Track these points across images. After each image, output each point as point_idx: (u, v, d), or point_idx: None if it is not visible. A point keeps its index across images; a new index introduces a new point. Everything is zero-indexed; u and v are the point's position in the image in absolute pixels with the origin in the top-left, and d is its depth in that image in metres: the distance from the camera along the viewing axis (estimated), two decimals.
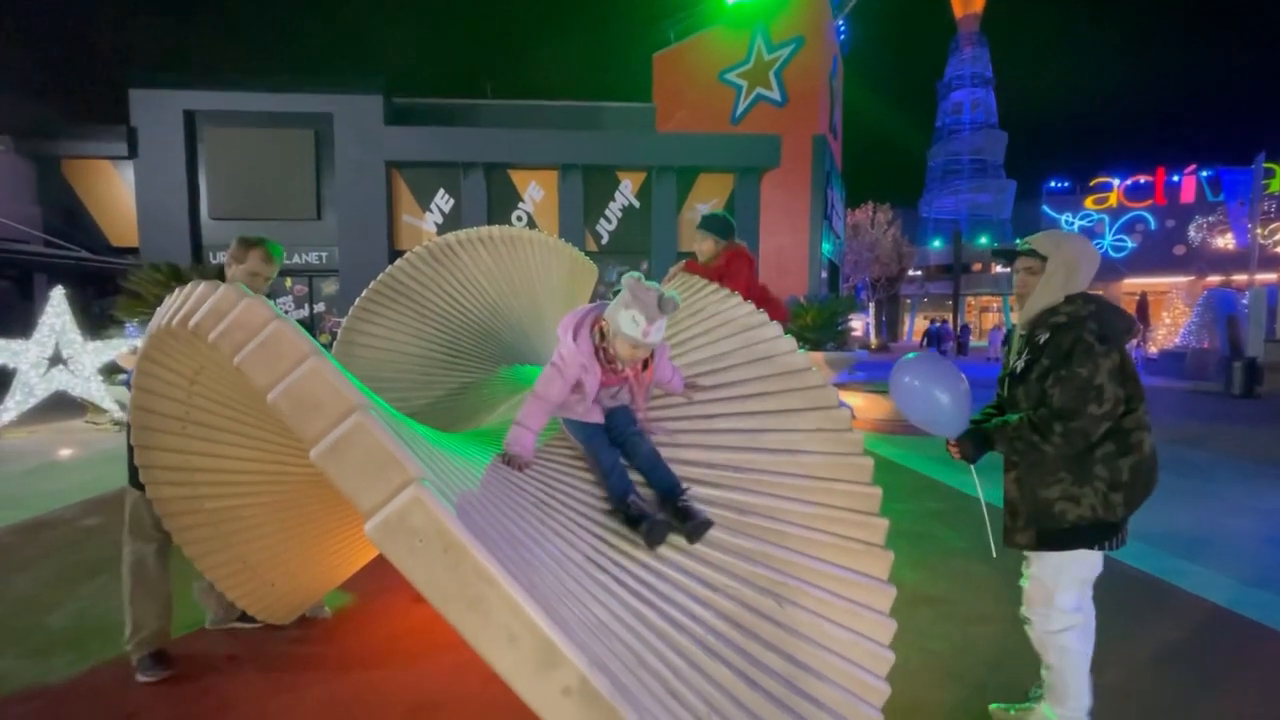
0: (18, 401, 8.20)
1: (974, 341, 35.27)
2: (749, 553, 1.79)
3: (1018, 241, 2.20)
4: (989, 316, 46.17)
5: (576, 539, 1.59)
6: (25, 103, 17.68)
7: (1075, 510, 1.92)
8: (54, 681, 2.48)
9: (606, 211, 18.31)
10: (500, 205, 17.87)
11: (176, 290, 1.46)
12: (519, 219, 17.83)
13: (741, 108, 21.70)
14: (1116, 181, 43.09)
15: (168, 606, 2.56)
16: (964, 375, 2.19)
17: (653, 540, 1.65)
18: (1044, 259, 2.03)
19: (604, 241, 18.17)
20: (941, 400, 2.12)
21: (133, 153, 16.91)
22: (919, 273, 45.18)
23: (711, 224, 3.13)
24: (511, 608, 1.15)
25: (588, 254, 4.52)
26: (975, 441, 2.09)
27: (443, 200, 17.86)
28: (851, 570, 1.83)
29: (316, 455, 1.16)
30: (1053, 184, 47.04)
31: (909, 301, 47.21)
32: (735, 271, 2.94)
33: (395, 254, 16.03)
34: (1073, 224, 42.77)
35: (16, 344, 8.26)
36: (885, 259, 35.61)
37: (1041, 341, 2.00)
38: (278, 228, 17.39)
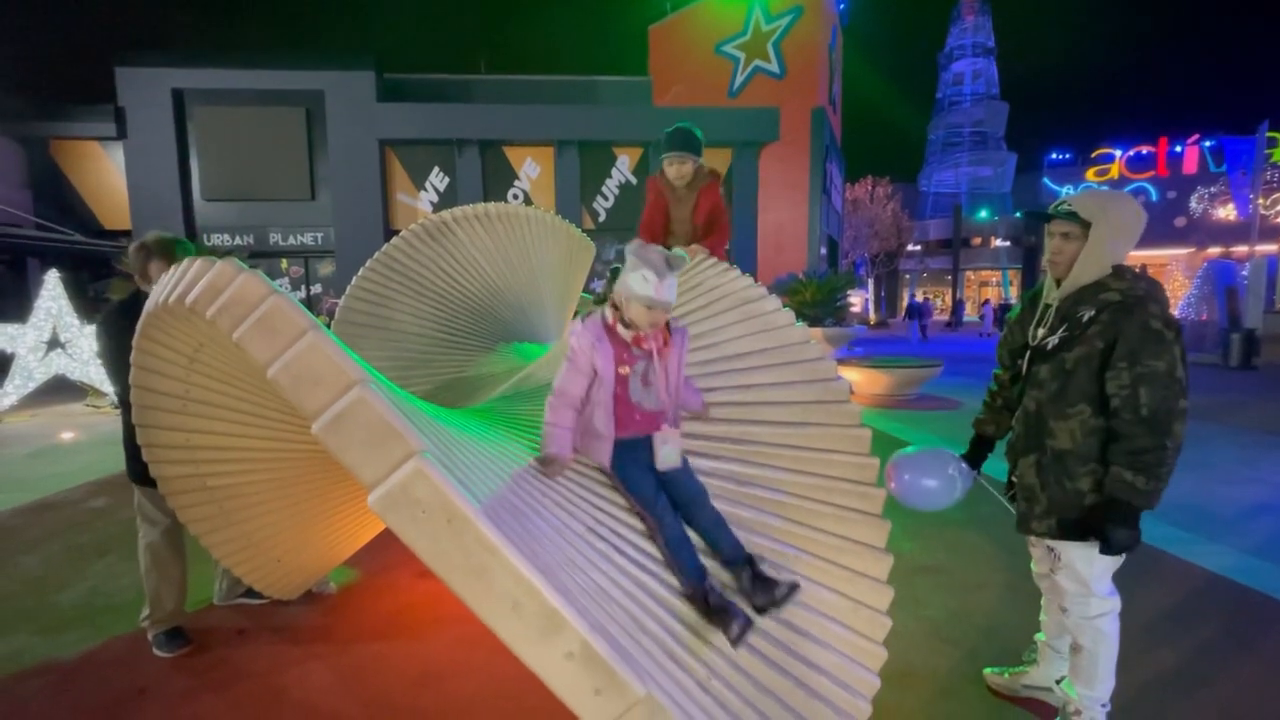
0: (17, 385, 8.20)
1: (966, 316, 35.19)
2: (748, 523, 1.82)
3: (1019, 208, 2.10)
4: (988, 291, 46.05)
5: (577, 509, 1.61)
6: (9, 83, 17.37)
7: None
8: (66, 657, 2.52)
9: (603, 188, 18.15)
10: (496, 183, 17.70)
11: (172, 268, 1.45)
12: (515, 197, 17.67)
13: (739, 80, 21.35)
14: (1118, 153, 42.66)
15: (181, 585, 2.60)
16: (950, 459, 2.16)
17: (737, 640, 1.50)
18: (1085, 224, 1.79)
19: (601, 219, 18.04)
20: (930, 485, 2.10)
21: (121, 133, 16.68)
22: (918, 247, 44.99)
23: (688, 140, 2.61)
24: (514, 576, 1.16)
25: (585, 232, 4.49)
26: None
27: (438, 178, 17.69)
28: (849, 539, 1.85)
29: (318, 429, 1.17)
30: (1054, 156, 46.59)
31: (908, 277, 47.07)
32: (720, 211, 2.65)
33: (391, 233, 15.88)
34: None
35: (13, 328, 8.23)
36: (884, 234, 35.46)
37: (1085, 319, 1.79)
38: (271, 208, 17.27)
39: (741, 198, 18.27)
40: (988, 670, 2.29)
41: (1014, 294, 42.71)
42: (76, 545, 3.72)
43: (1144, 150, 41.92)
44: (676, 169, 2.64)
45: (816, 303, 10.75)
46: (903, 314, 26.95)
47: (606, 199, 18.19)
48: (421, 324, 3.84)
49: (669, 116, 18.31)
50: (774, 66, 20.93)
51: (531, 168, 17.97)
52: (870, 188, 35.35)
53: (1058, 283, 1.91)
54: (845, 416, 2.01)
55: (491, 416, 2.02)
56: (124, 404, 2.35)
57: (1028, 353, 1.97)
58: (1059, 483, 1.85)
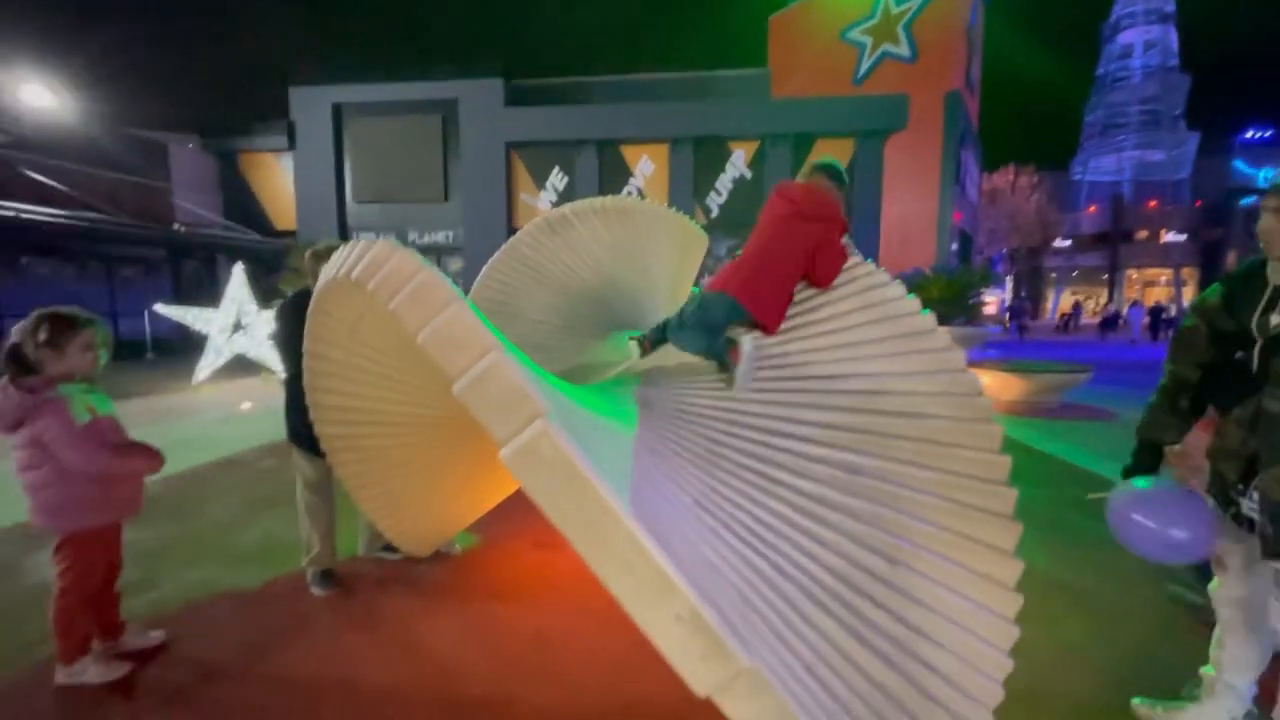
0: (210, 361, 9.67)
1: (1085, 320, 31.11)
2: (859, 513, 1.76)
3: None
4: (1154, 292, 40.36)
5: (686, 483, 1.65)
6: (209, 105, 20.44)
7: None
8: (246, 588, 2.97)
9: (717, 184, 18.06)
10: (612, 182, 18.18)
11: (341, 248, 1.66)
12: (629, 194, 18.07)
13: (865, 67, 20.35)
14: None
15: (329, 533, 2.98)
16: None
17: None
18: None
19: (714, 215, 17.96)
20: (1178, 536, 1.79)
21: (291, 145, 19.01)
22: (1067, 243, 40.42)
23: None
24: (628, 538, 1.22)
25: None
26: None
27: (557, 178, 18.48)
28: (972, 539, 1.74)
29: (459, 390, 1.30)
30: (1249, 135, 39.97)
31: (1054, 275, 42.45)
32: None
33: (513, 232, 16.80)
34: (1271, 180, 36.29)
35: (209, 313, 9.71)
36: (1026, 228, 32.16)
37: None
38: (410, 209, 18.91)
39: (863, 190, 17.41)
40: (1137, 700, 2.05)
41: (1187, 297, 37.15)
42: (253, 497, 4.34)
43: None
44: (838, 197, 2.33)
45: (945, 300, 10.03)
46: (1007, 314, 24.37)
47: (720, 194, 18.07)
48: (542, 311, 4.06)
49: (787, 108, 17.90)
50: (904, 50, 19.73)
51: (646, 165, 18.25)
52: (1012, 177, 32.23)
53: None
54: (973, 410, 1.89)
55: (603, 396, 2.12)
56: (291, 376, 2.74)
57: (1258, 344, 1.71)
58: None
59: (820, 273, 2.15)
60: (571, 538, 1.24)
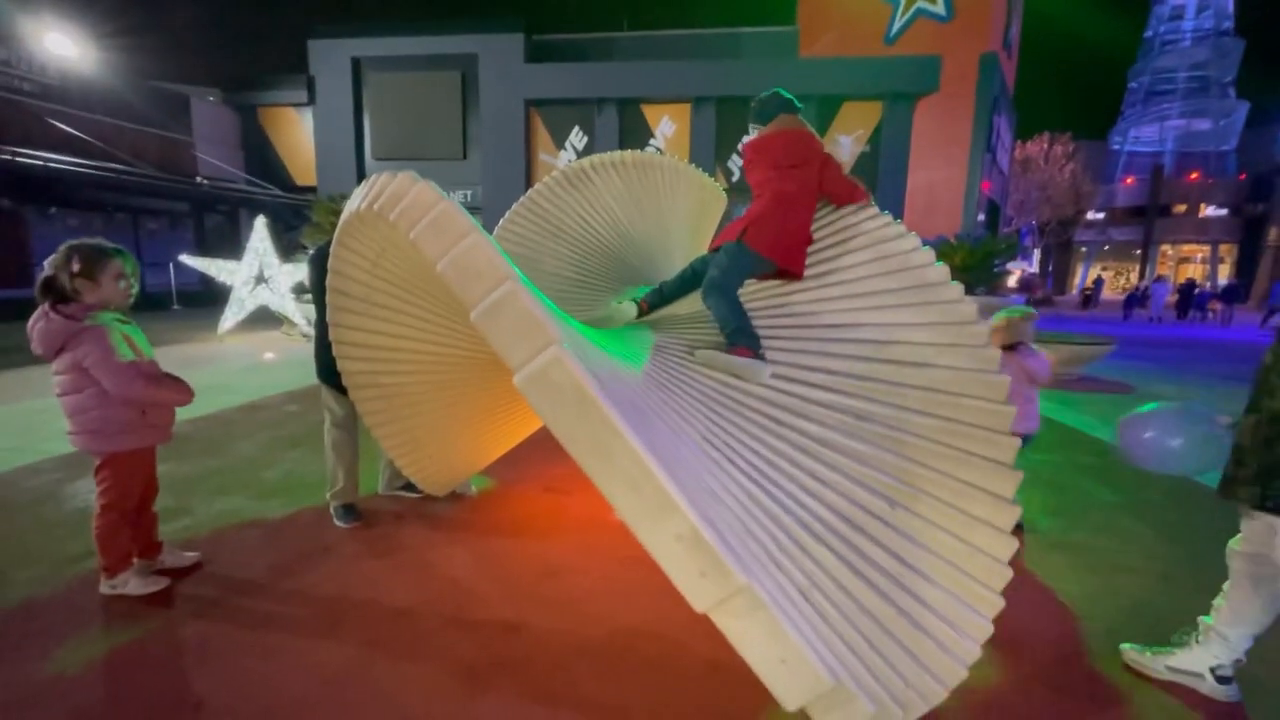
0: (234, 313, 9.86)
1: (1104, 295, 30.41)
2: (863, 456, 1.81)
3: None
4: (1187, 269, 39.08)
5: (693, 417, 1.71)
6: (229, 58, 20.32)
7: None
8: (272, 518, 3.12)
9: (739, 146, 17.66)
10: (632, 142, 17.90)
11: (364, 183, 1.70)
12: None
13: (898, 25, 19.58)
14: None
15: (353, 469, 3.10)
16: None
17: None
18: None
19: (735, 178, 17.66)
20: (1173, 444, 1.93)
21: (311, 99, 18.89)
22: (1100, 215, 39.11)
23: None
24: (633, 458, 1.28)
25: None
26: None
27: (577, 137, 18.23)
28: (972, 484, 1.78)
29: (476, 316, 1.35)
30: None
31: (1084, 249, 41.23)
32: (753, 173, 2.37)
33: None
34: None
35: (232, 265, 9.86)
36: (1059, 199, 31.08)
37: None
38: (428, 167, 18.78)
39: (890, 155, 16.97)
40: (1125, 646, 2.11)
41: (1222, 274, 35.93)
42: (277, 437, 4.50)
43: None
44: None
45: (968, 268, 9.87)
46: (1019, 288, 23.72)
47: (742, 157, 17.68)
48: (557, 264, 4.09)
49: (814, 68, 17.34)
50: (940, 8, 18.94)
51: (667, 125, 17.92)
52: (1046, 145, 31.04)
53: None
54: (980, 361, 1.91)
55: (617, 336, 2.16)
56: (322, 318, 2.81)
57: None
58: (1271, 447, 1.67)
59: (841, 194, 2.23)
60: (580, 458, 1.30)
